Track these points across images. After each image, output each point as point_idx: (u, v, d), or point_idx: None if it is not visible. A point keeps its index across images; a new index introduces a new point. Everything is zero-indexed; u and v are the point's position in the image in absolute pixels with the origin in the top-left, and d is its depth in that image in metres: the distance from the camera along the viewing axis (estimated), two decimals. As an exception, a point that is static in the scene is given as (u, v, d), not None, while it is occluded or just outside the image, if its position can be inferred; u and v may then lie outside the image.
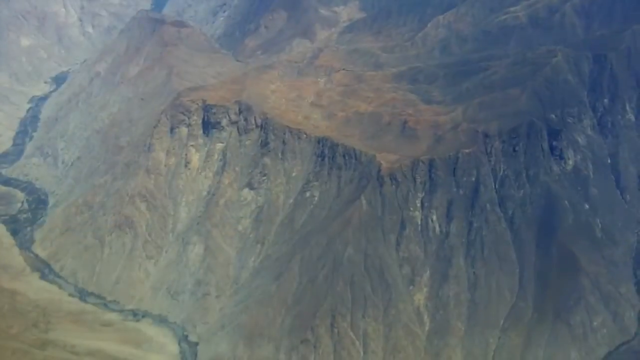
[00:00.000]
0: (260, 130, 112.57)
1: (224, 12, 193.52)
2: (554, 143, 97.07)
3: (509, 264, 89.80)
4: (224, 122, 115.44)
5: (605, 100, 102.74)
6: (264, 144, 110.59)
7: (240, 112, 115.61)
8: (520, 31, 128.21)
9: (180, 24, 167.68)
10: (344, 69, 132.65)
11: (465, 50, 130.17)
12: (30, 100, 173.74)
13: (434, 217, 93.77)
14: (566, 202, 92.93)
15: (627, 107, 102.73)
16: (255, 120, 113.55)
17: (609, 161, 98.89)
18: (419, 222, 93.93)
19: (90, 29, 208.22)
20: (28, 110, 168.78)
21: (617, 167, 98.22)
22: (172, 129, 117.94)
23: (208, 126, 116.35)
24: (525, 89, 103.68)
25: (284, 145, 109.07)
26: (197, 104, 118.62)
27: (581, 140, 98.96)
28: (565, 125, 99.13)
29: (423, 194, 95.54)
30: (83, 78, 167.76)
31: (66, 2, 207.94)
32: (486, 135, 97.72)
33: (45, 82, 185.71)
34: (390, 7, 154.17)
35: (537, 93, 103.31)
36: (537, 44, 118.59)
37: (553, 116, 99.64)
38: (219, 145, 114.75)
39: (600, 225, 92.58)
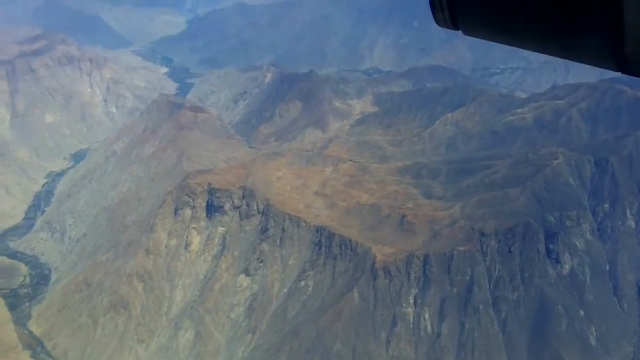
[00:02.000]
0: (262, 216, 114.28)
1: (245, 100, 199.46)
2: (551, 246, 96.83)
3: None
4: (227, 206, 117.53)
5: (606, 206, 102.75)
6: (264, 230, 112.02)
7: (244, 197, 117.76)
8: (526, 132, 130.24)
9: (198, 109, 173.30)
10: (351, 160, 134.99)
11: (471, 148, 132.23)
12: (48, 176, 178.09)
13: (427, 316, 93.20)
14: (561, 307, 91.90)
15: (628, 214, 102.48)
16: (257, 206, 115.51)
17: (607, 267, 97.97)
18: (411, 320, 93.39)
19: (114, 110, 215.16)
20: (44, 185, 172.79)
21: (615, 274, 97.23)
22: (176, 211, 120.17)
23: (212, 210, 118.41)
24: (525, 190, 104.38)
25: (283, 232, 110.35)
26: (203, 187, 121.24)
27: (579, 244, 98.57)
28: (564, 229, 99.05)
29: (417, 290, 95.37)
30: (100, 156, 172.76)
31: (93, 83, 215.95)
32: (483, 234, 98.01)
33: (65, 159, 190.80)
34: (402, 103, 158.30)
35: (537, 194, 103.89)
36: (542, 146, 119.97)
37: (552, 219, 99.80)
38: (221, 230, 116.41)
39: (595, 333, 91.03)
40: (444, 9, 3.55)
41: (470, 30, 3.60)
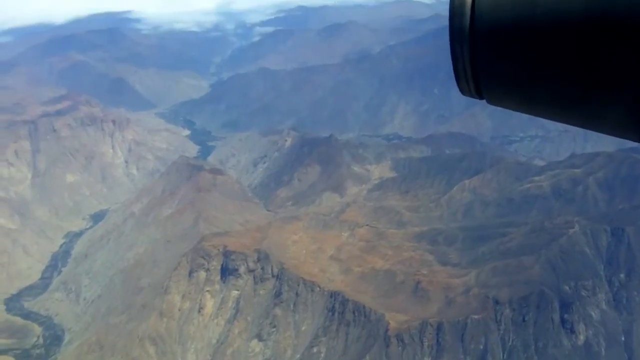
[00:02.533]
0: (276, 280, 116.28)
1: (264, 163, 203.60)
2: (566, 315, 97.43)
3: None
4: (242, 269, 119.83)
5: (622, 275, 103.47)
6: (278, 294, 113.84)
7: (258, 260, 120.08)
8: (542, 200, 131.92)
9: (216, 171, 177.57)
10: (367, 225, 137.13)
11: (487, 215, 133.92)
12: (66, 235, 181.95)
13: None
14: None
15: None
16: (272, 269, 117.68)
17: (622, 338, 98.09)
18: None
19: (134, 171, 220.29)
20: (62, 245, 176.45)
21: (630, 345, 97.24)
22: (190, 273, 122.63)
23: (226, 272, 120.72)
24: (540, 258, 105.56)
25: (296, 296, 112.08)
26: (218, 249, 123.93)
27: (594, 314, 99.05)
28: (579, 298, 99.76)
29: (429, 358, 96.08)
30: (118, 217, 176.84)
31: (115, 144, 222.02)
32: (497, 302, 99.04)
33: (84, 219, 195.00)
34: (420, 168, 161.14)
35: (552, 263, 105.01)
36: (558, 214, 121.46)
37: (566, 288, 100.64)
38: (234, 293, 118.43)
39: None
40: (467, 78, 3.70)
41: (494, 99, 3.78)
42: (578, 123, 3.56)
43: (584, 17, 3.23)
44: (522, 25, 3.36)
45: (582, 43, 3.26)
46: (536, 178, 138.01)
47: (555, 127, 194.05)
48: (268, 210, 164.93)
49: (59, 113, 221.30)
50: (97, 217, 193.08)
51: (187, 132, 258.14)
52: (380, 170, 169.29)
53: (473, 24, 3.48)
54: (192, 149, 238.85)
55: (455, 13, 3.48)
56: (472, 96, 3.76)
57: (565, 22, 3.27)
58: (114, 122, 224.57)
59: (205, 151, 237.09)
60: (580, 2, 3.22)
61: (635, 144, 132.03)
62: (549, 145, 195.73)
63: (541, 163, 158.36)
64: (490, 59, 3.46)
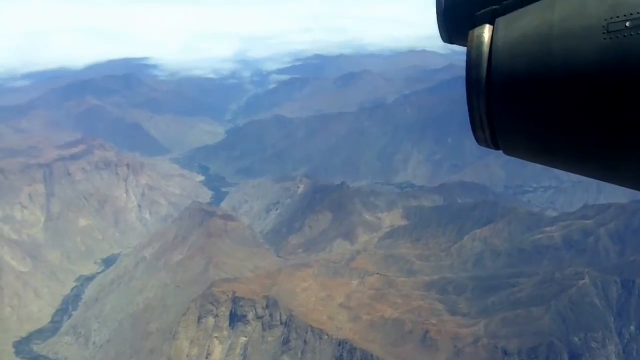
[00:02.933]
0: (284, 327, 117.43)
1: (277, 210, 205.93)
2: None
3: None
4: (250, 315, 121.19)
5: (632, 328, 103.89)
6: (286, 341, 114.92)
7: (267, 307, 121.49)
8: (554, 251, 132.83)
9: (228, 218, 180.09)
10: (378, 274, 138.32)
11: (498, 265, 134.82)
12: (78, 279, 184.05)
13: None
14: None
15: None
16: (280, 316, 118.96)
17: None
18: None
19: (147, 216, 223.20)
20: (73, 289, 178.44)
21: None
22: (199, 319, 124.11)
23: (235, 319, 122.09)
24: (550, 309, 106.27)
25: (305, 344, 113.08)
26: (228, 295, 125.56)
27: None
28: (589, 350, 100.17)
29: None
30: (130, 262, 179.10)
31: (128, 188, 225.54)
32: (506, 353, 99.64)
33: (96, 263, 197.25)
34: (431, 217, 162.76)
35: (561, 314, 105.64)
36: (569, 265, 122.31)
37: (576, 339, 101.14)
38: (242, 340, 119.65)
39: None
40: (484, 128, 3.80)
41: (511, 150, 3.84)
42: (594, 175, 3.74)
43: (599, 67, 3.37)
44: (539, 77, 3.54)
45: (597, 94, 3.39)
46: (548, 229, 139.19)
47: (568, 178, 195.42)
48: (279, 257, 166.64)
49: (74, 157, 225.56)
50: (109, 262, 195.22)
51: (201, 177, 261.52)
52: (391, 219, 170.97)
53: (490, 75, 3.75)
54: (206, 195, 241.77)
55: (472, 64, 3.83)
56: (488, 146, 4.02)
57: (580, 73, 3.41)
58: (128, 166, 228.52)
59: (219, 197, 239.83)
60: (595, 53, 3.38)
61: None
62: (563, 196, 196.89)
63: (554, 214, 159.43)
64: (507, 110, 3.72)
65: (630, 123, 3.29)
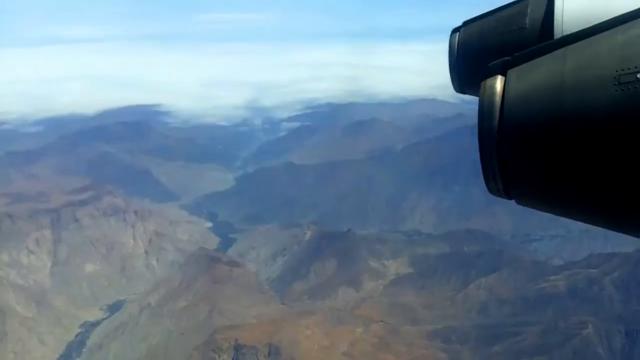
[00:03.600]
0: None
1: (283, 256, 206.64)
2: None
3: None
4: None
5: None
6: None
7: (269, 354, 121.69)
8: (558, 300, 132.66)
9: (234, 264, 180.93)
10: (382, 321, 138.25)
11: (502, 313, 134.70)
12: (82, 325, 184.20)
13: None
14: None
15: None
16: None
17: None
18: None
19: (154, 262, 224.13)
20: (77, 335, 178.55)
21: None
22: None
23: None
24: (553, 358, 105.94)
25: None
26: (230, 342, 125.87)
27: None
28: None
29: None
30: (135, 308, 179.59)
31: (136, 235, 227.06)
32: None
33: (101, 309, 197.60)
34: (437, 265, 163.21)
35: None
36: (573, 314, 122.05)
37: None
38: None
39: None
40: (496, 178, 3.80)
41: (523, 200, 3.87)
42: (605, 225, 3.79)
43: (611, 118, 3.41)
44: (550, 127, 3.58)
45: (609, 145, 3.40)
46: (552, 277, 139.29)
47: (576, 227, 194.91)
48: (283, 304, 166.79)
49: (82, 203, 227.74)
50: (114, 308, 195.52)
51: (209, 224, 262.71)
52: (397, 266, 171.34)
53: (502, 125, 3.79)
54: (213, 241, 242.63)
55: (484, 115, 3.88)
56: (500, 196, 4.02)
57: (592, 124, 3.45)
58: (136, 212, 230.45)
59: (226, 243, 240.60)
60: (606, 104, 3.43)
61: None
62: (569, 244, 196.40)
63: (560, 262, 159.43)
64: (519, 160, 3.73)
65: None
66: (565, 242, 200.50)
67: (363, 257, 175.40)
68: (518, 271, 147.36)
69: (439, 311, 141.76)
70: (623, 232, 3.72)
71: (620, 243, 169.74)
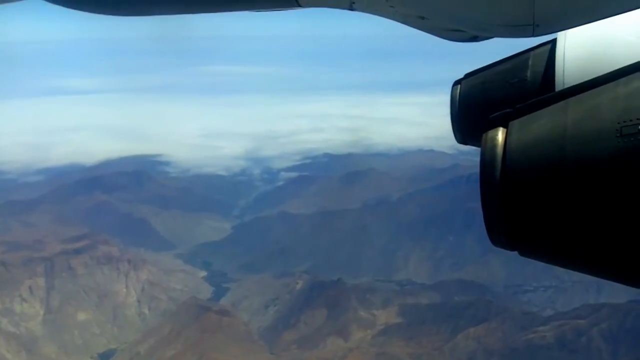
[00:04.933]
0: None
1: (275, 306, 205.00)
2: None
3: None
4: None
5: None
6: None
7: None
8: (546, 351, 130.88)
9: (224, 313, 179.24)
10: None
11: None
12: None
13: None
14: None
15: None
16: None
17: None
18: None
19: (146, 310, 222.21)
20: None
21: None
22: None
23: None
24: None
25: None
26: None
27: None
28: None
29: None
30: (124, 357, 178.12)
31: (129, 283, 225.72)
32: None
33: (92, 357, 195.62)
34: (426, 315, 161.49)
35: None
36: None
37: None
38: None
39: None
40: (499, 229, 3.79)
41: (526, 251, 3.85)
42: (607, 277, 3.76)
43: (613, 170, 3.37)
44: (552, 179, 3.56)
45: (611, 196, 3.38)
46: (540, 328, 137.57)
47: (569, 277, 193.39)
48: (272, 354, 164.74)
49: (76, 251, 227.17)
50: (105, 356, 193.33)
51: (203, 273, 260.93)
52: (386, 316, 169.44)
53: (504, 177, 3.76)
54: (207, 290, 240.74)
55: (486, 166, 3.84)
56: (503, 247, 4.01)
57: (594, 176, 3.42)
58: (129, 261, 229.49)
59: (220, 292, 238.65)
60: (608, 156, 3.39)
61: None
62: (562, 295, 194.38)
63: (550, 313, 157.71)
64: (521, 211, 3.70)
65: None
66: (558, 293, 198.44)
67: (353, 306, 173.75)
68: (507, 322, 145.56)
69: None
70: (627, 284, 3.65)
71: (612, 294, 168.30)
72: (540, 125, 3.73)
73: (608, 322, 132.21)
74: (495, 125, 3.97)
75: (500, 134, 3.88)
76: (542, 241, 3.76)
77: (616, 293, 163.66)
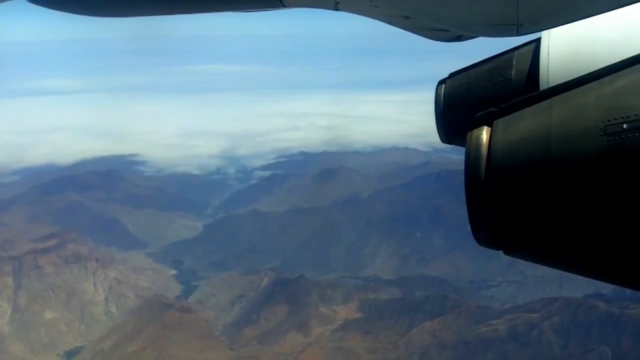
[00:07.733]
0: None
1: (240, 303, 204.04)
2: None
3: None
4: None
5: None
6: None
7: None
8: (498, 344, 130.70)
9: (186, 310, 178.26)
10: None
11: (443, 358, 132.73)
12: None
13: None
14: None
15: None
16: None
17: None
18: None
19: (113, 309, 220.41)
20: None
21: None
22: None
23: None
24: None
25: None
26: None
27: None
28: None
29: None
30: (88, 354, 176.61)
31: (96, 281, 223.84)
32: None
33: (58, 355, 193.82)
34: (385, 310, 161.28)
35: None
36: (513, 358, 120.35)
37: None
38: None
39: None
40: (483, 229, 3.81)
41: (511, 250, 3.85)
42: (593, 275, 3.74)
43: (598, 169, 3.34)
44: (537, 178, 3.53)
45: (596, 195, 3.34)
46: (494, 322, 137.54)
47: (532, 272, 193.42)
48: (231, 350, 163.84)
49: (45, 251, 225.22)
50: (70, 354, 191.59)
51: (174, 271, 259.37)
52: (346, 311, 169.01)
53: (488, 176, 3.75)
54: (175, 288, 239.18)
55: (470, 165, 3.82)
56: (488, 246, 4.01)
57: (579, 175, 3.40)
58: (97, 260, 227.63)
59: (188, 290, 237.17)
60: (593, 155, 3.35)
61: (597, 290, 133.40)
62: (524, 290, 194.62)
63: (505, 306, 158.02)
64: (506, 210, 3.69)
65: (630, 223, 3.22)
66: (521, 288, 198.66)
67: (314, 302, 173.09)
68: (462, 315, 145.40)
69: (381, 356, 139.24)
70: (611, 282, 3.74)
71: (575, 288, 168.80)
72: (525, 124, 3.71)
73: (560, 316, 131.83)
74: (480, 125, 3.94)
75: (485, 133, 3.87)
76: (527, 240, 3.72)
77: (575, 287, 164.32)
